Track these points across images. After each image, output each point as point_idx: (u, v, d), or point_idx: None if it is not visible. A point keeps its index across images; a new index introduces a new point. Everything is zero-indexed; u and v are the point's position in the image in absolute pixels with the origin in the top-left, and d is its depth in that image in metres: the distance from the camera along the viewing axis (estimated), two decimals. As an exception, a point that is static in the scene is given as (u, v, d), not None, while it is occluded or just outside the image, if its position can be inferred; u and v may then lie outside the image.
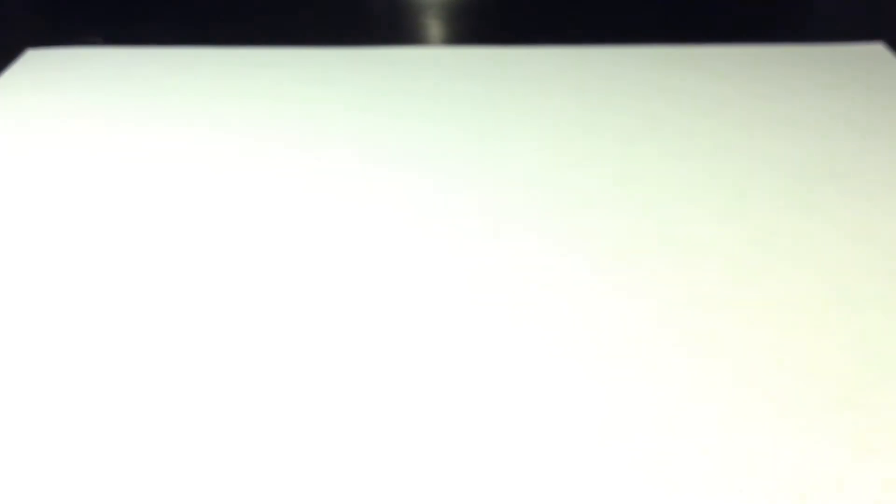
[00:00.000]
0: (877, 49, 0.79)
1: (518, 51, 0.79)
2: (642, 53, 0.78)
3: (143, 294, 0.49)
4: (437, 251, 0.52)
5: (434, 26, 0.86)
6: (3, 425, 0.41)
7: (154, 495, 0.38)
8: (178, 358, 0.45)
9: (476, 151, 0.62)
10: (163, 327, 0.47)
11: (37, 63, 0.77)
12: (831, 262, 0.51)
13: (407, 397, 0.42)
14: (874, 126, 0.66)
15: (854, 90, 0.71)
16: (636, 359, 0.44)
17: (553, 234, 0.54)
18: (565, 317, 0.47)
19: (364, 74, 0.74)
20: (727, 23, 0.87)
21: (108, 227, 0.55)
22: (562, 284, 0.49)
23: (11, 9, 0.92)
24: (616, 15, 0.88)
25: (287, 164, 0.61)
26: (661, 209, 0.56)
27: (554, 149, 0.63)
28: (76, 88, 0.72)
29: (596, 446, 0.40)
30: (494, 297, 0.48)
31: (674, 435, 0.40)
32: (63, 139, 0.64)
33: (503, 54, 0.78)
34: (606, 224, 0.54)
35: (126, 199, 0.57)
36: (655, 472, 0.38)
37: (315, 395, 0.42)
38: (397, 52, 0.79)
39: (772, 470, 0.38)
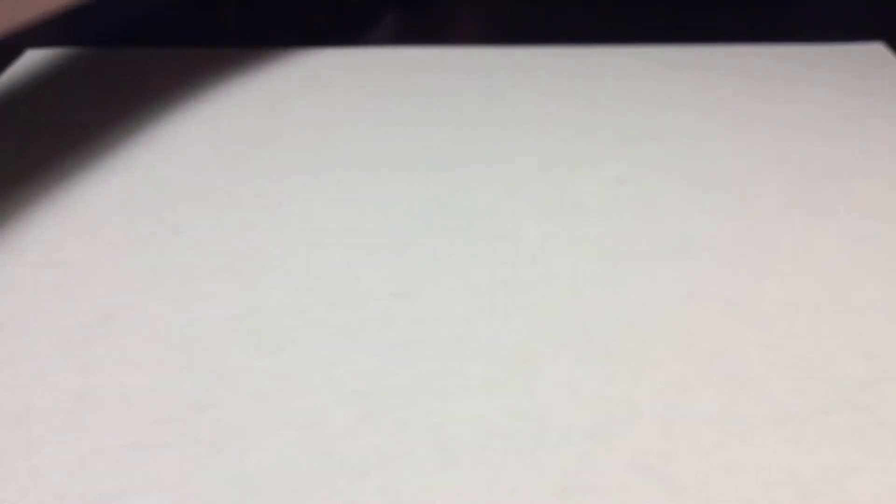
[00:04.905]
0: (877, 49, 0.79)
1: (518, 51, 0.79)
2: (642, 53, 0.78)
3: (152, 293, 0.49)
4: (436, 251, 0.52)
5: (433, 27, 0.86)
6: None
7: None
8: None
9: (476, 151, 0.62)
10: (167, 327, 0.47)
11: (37, 63, 0.77)
12: (830, 261, 0.51)
13: (408, 393, 0.42)
14: (874, 126, 0.66)
15: (854, 90, 0.71)
16: (635, 358, 0.44)
17: (553, 233, 0.54)
18: (564, 315, 0.47)
19: (364, 74, 0.74)
20: (727, 23, 0.87)
21: (109, 228, 0.55)
22: (552, 284, 0.49)
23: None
24: (616, 15, 0.88)
25: (284, 163, 0.61)
26: (660, 209, 0.56)
27: (554, 148, 0.63)
28: (76, 88, 0.72)
29: (594, 445, 0.39)
30: (494, 296, 0.48)
31: (672, 434, 0.40)
32: (63, 138, 0.64)
33: (503, 54, 0.78)
34: (606, 224, 0.54)
35: (126, 199, 0.57)
36: (653, 471, 0.38)
37: (322, 396, 0.42)
38: (397, 52, 0.79)
39: (771, 469, 0.38)
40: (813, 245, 0.53)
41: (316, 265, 0.51)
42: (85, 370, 0.44)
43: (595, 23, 0.86)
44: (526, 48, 0.79)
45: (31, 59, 0.78)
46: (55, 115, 0.68)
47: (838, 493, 0.37)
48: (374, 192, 0.58)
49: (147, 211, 0.56)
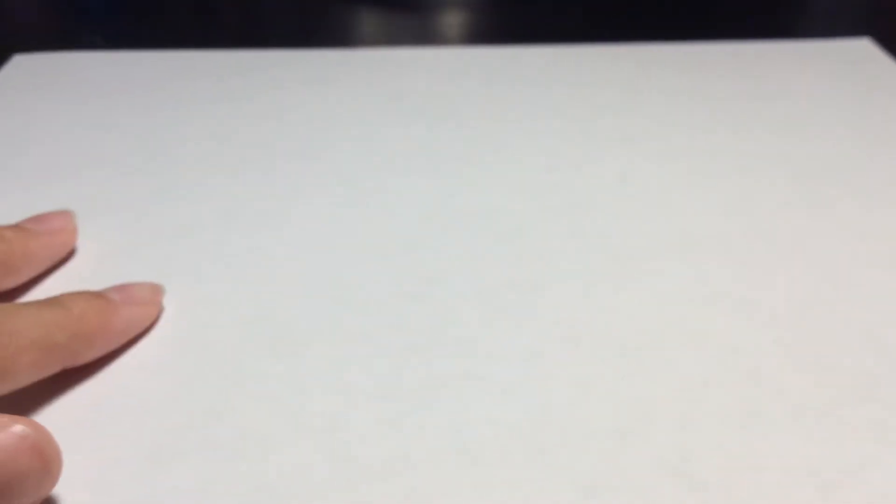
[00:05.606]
0: (864, 44, 0.80)
1: (518, 51, 0.79)
2: (641, 52, 0.78)
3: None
4: (436, 252, 0.52)
5: (432, 26, 0.86)
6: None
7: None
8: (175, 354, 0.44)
9: (475, 152, 0.62)
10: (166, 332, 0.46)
11: (25, 68, 0.76)
12: (835, 256, 0.52)
13: (426, 396, 0.42)
14: (867, 119, 0.67)
15: (845, 85, 0.72)
16: (651, 357, 0.44)
17: (553, 234, 0.54)
18: (577, 314, 0.47)
19: (363, 75, 0.74)
20: (718, 20, 0.87)
21: (112, 231, 0.54)
22: (563, 284, 0.49)
23: (4, 10, 0.91)
24: (615, 14, 0.89)
25: (288, 165, 0.61)
26: (664, 207, 0.56)
27: (553, 148, 0.63)
28: (68, 94, 0.71)
29: (615, 444, 0.40)
30: (506, 297, 0.48)
31: (693, 432, 0.40)
32: (55, 146, 0.64)
33: (503, 54, 0.78)
34: (607, 224, 0.55)
35: (124, 202, 0.57)
36: (676, 468, 0.38)
37: (325, 394, 0.42)
38: (396, 52, 0.78)
39: (792, 463, 0.39)
40: (816, 240, 0.53)
41: (325, 268, 0.51)
42: (94, 375, 0.44)
43: (594, 22, 0.87)
44: (525, 48, 0.79)
45: (20, 64, 0.77)
46: (47, 120, 0.67)
47: (860, 485, 0.38)
48: (380, 193, 0.58)
49: (149, 213, 0.56)
